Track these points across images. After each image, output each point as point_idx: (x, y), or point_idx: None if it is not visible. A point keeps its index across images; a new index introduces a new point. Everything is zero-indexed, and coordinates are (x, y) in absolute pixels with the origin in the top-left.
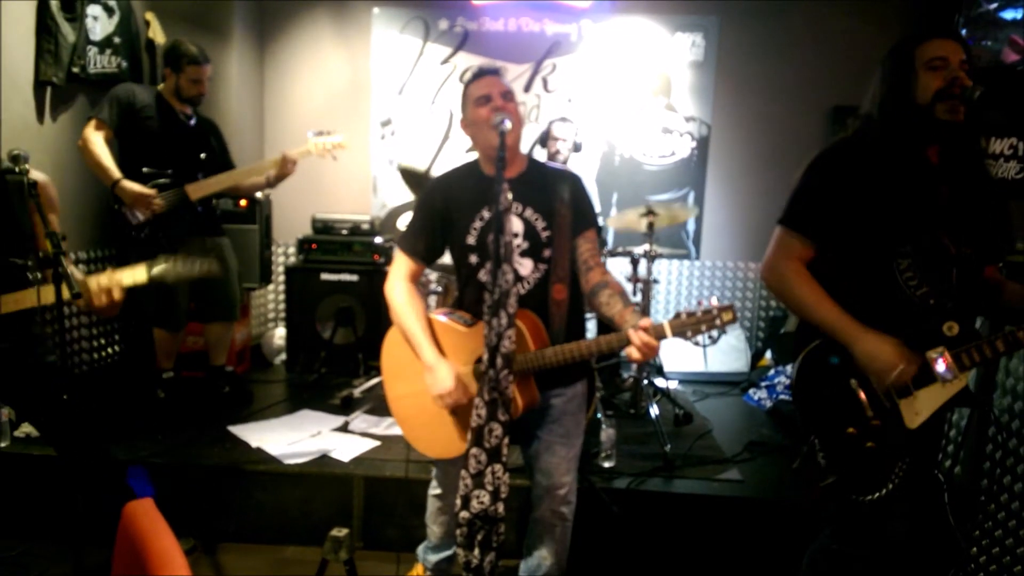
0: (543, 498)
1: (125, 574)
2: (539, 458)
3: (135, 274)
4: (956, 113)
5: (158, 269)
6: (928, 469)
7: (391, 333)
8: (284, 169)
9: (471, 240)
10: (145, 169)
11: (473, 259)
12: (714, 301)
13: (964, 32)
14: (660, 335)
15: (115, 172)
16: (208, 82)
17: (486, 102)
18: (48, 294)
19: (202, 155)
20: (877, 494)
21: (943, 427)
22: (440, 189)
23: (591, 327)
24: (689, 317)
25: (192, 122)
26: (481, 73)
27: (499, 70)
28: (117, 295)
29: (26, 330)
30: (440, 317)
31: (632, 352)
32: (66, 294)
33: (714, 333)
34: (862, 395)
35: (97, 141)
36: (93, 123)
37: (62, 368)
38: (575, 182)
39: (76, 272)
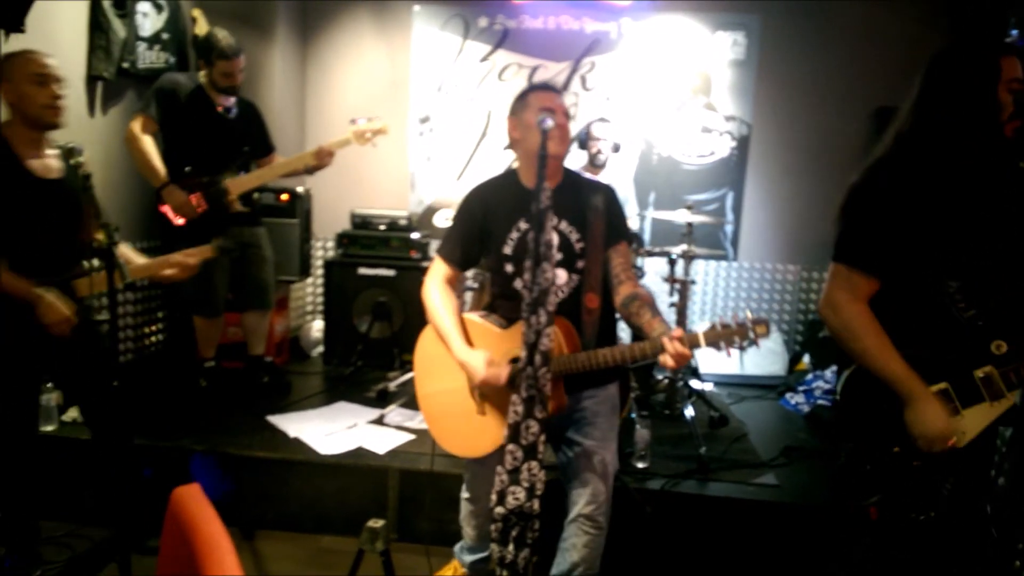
0: (578, 504)
1: (173, 557)
2: (575, 463)
3: (203, 251)
4: (1018, 133)
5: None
6: (979, 486)
7: (425, 332)
8: (321, 161)
9: (507, 250)
10: (187, 169)
11: (509, 268)
12: (749, 314)
13: (1015, 33)
14: (694, 344)
15: (163, 174)
16: (241, 73)
17: (550, 115)
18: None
19: (244, 149)
20: (929, 514)
21: (994, 444)
22: (478, 198)
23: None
24: (724, 329)
25: (232, 113)
26: (546, 86)
27: (561, 90)
28: (191, 271)
29: (88, 315)
30: (475, 317)
31: (666, 360)
32: (119, 283)
33: (746, 344)
34: None
35: (146, 139)
36: (140, 120)
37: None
38: (609, 194)
39: (137, 257)
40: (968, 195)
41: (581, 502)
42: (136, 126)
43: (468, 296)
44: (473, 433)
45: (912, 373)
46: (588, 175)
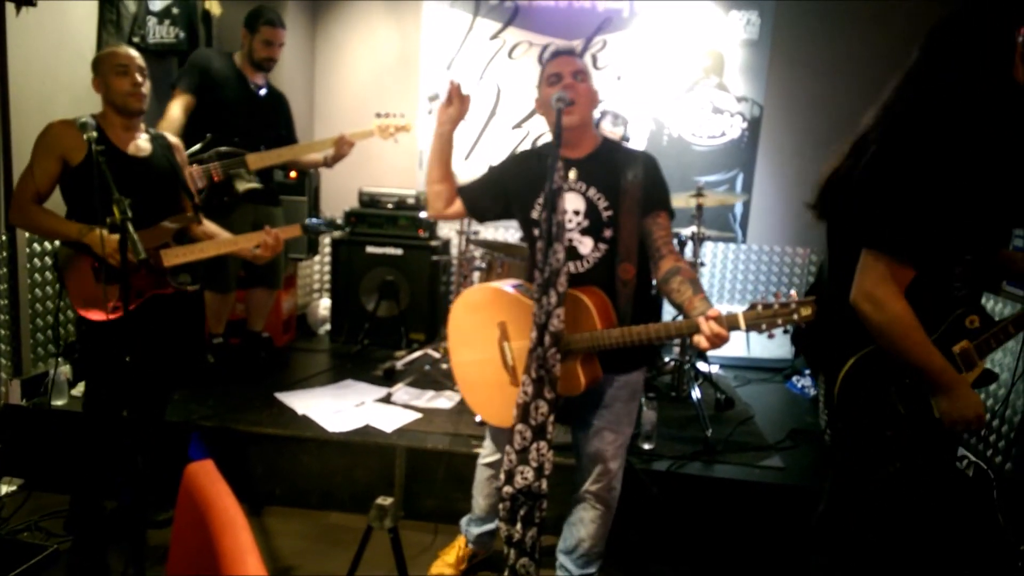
0: (587, 482)
1: (187, 533)
2: (588, 442)
3: (289, 230)
4: None
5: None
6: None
7: (457, 303)
8: (341, 150)
9: (535, 215)
10: (209, 135)
11: (536, 232)
12: (793, 294)
13: None
14: (733, 325)
15: None
16: (280, 49)
17: (557, 81)
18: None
19: (266, 126)
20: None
21: None
22: (514, 161)
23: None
24: (765, 309)
25: (262, 92)
26: (557, 53)
27: (574, 49)
28: (278, 248)
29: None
30: (508, 288)
31: (701, 341)
32: (132, 258)
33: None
34: (900, 407)
35: (175, 116)
36: (175, 94)
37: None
38: (649, 163)
39: (221, 231)
40: (1001, 176)
41: (589, 479)
42: (172, 103)
43: (475, 276)
44: (504, 403)
45: (948, 364)
46: (629, 147)
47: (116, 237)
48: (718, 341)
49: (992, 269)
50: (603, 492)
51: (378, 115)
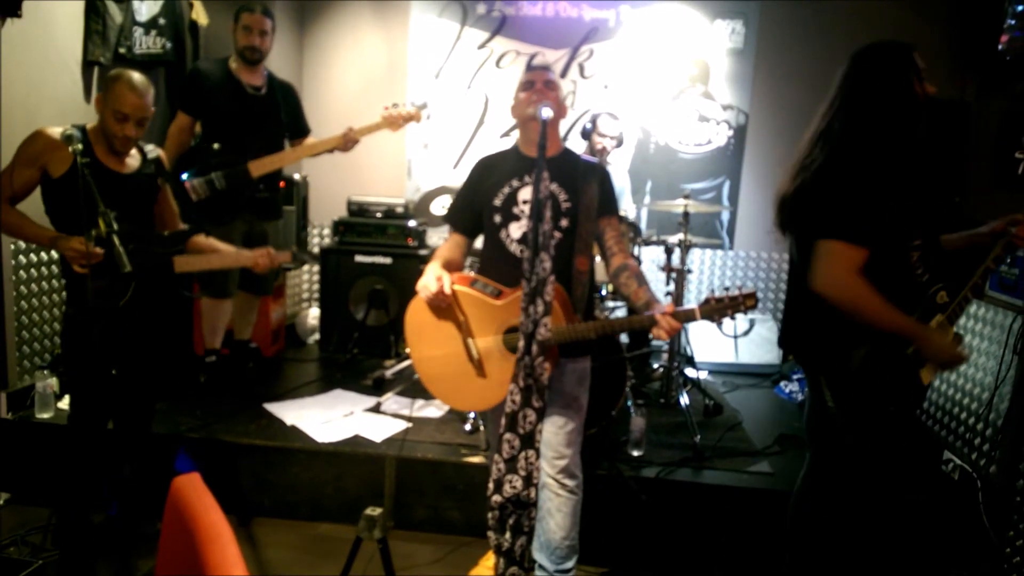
0: (546, 469)
1: (174, 547)
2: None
3: (283, 256)
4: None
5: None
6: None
7: (414, 301)
8: (347, 147)
9: (497, 202)
10: (215, 145)
11: (497, 219)
12: (740, 288)
13: (1012, 23)
14: (690, 318)
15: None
16: (263, 37)
17: (530, 87)
18: None
19: (263, 129)
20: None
21: None
22: (480, 166)
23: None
24: (718, 302)
25: (262, 92)
26: (531, 68)
27: (549, 66)
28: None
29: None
30: (465, 288)
31: (660, 333)
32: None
33: (743, 323)
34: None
35: (169, 135)
36: (177, 116)
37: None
38: (604, 174)
39: (225, 245)
40: (911, 174)
41: (550, 467)
42: (173, 124)
43: None
44: (474, 391)
45: (911, 319)
46: (587, 157)
47: (77, 240)
48: (674, 333)
49: (945, 254)
50: (563, 478)
51: (386, 107)
